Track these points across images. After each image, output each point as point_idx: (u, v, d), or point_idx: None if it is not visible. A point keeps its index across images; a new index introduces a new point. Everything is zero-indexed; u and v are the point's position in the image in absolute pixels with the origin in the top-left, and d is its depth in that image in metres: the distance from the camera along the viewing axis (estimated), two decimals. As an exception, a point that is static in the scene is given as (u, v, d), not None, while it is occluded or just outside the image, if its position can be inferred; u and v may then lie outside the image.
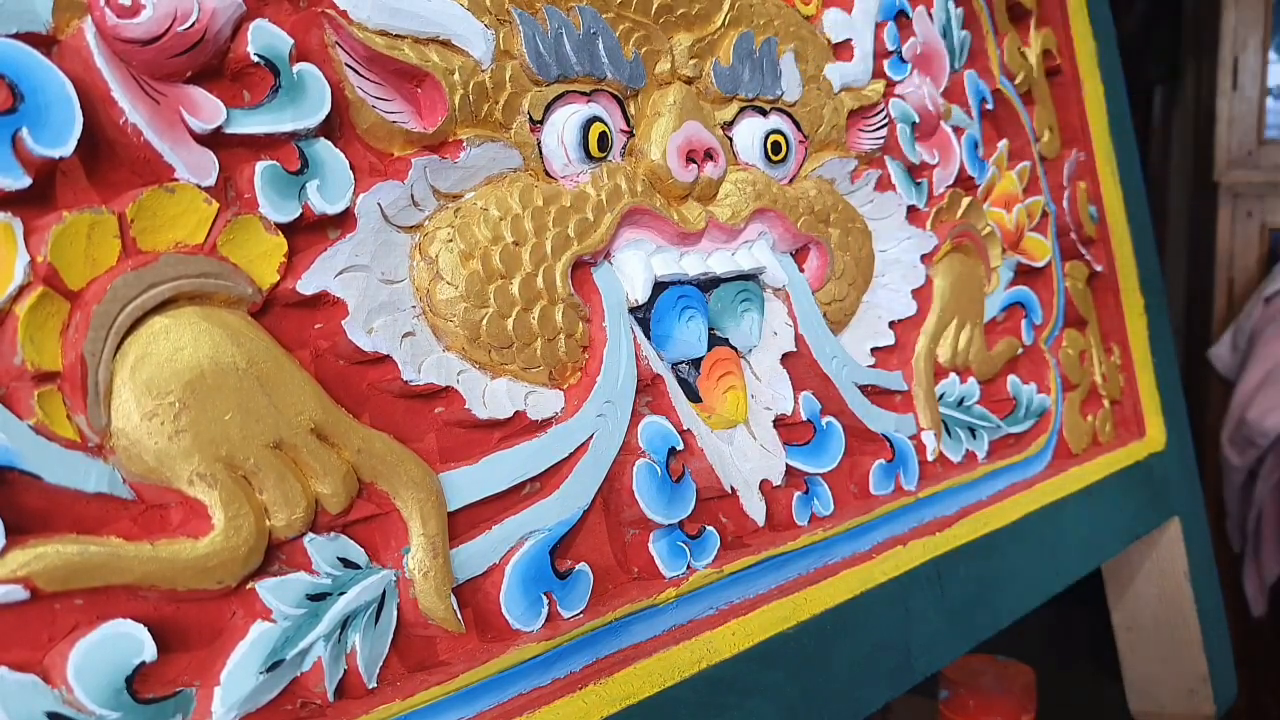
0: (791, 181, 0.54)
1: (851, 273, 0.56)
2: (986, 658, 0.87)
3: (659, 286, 0.47)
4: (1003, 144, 0.70)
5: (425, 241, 0.38)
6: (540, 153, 0.42)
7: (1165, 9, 2.08)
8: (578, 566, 0.42)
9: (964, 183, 0.66)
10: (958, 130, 0.65)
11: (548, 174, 0.43)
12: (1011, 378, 0.70)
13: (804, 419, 0.53)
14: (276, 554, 0.33)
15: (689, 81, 0.48)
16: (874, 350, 0.59)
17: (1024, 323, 0.72)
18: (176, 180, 0.31)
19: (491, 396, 0.40)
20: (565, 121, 0.43)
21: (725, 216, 0.49)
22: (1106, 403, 0.81)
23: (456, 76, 0.39)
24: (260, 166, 0.33)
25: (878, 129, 0.58)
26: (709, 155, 0.48)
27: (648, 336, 0.47)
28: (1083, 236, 0.78)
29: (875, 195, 0.59)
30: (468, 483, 0.38)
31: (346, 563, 0.34)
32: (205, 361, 0.31)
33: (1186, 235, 2.07)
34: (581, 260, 0.43)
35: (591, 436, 0.43)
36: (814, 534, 0.52)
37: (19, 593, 0.27)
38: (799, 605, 0.50)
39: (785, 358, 0.53)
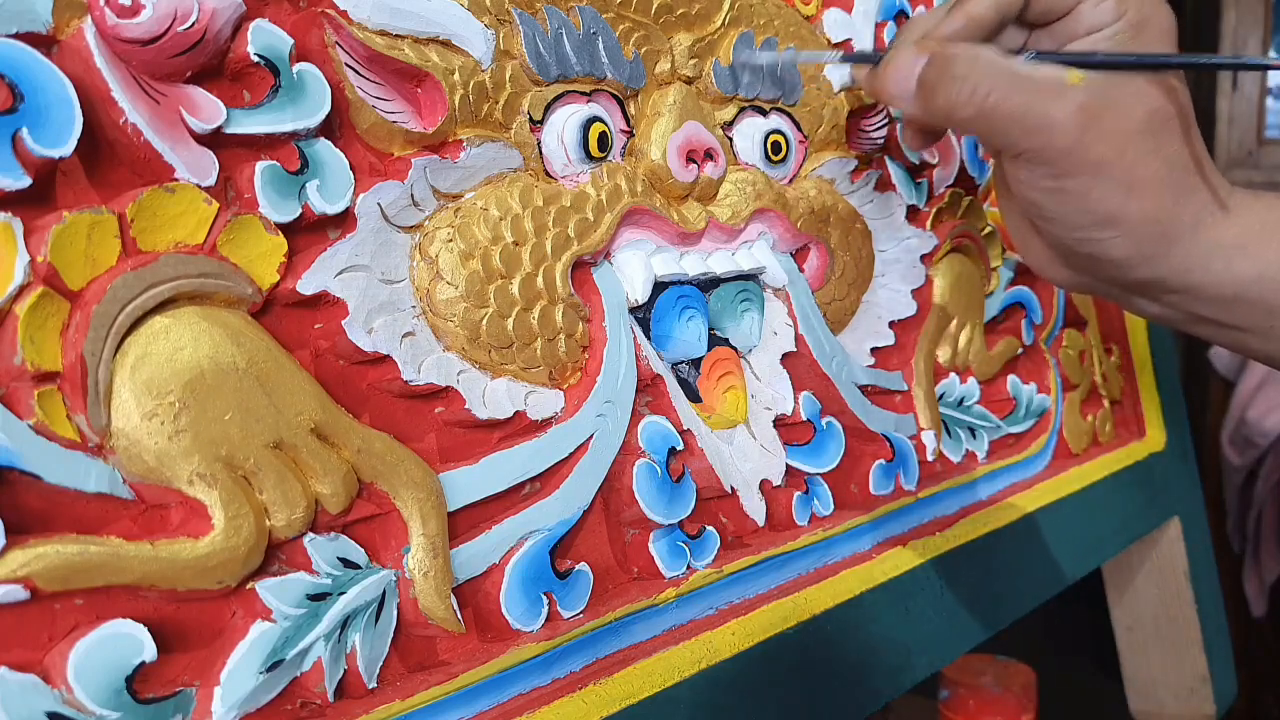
0: (791, 181, 0.54)
1: (851, 273, 0.56)
2: (986, 658, 0.87)
3: (659, 286, 0.47)
4: (1003, 144, 0.70)
5: (425, 241, 0.38)
6: (540, 153, 0.42)
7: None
8: (578, 566, 0.42)
9: (964, 183, 0.66)
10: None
11: (548, 174, 0.43)
12: (1011, 378, 0.70)
13: (804, 419, 0.53)
14: (276, 554, 0.33)
15: (689, 81, 0.48)
16: (874, 350, 0.59)
17: (1024, 323, 0.72)
18: (176, 180, 0.31)
19: (491, 396, 0.40)
20: (565, 121, 0.43)
21: (725, 216, 0.49)
22: (1106, 403, 0.81)
23: (456, 76, 0.39)
24: (260, 166, 0.33)
25: (878, 129, 0.58)
26: (709, 155, 0.48)
27: (648, 336, 0.47)
28: (1083, 236, 0.78)
29: (875, 195, 0.59)
30: (468, 483, 0.38)
31: (346, 563, 0.34)
32: (205, 361, 0.31)
33: (1186, 235, 2.06)
34: (581, 260, 0.43)
35: (591, 436, 0.43)
36: (814, 534, 0.52)
37: (19, 593, 0.27)
38: (799, 605, 0.50)
39: (785, 358, 0.53)
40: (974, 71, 0.39)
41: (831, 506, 0.54)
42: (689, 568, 0.46)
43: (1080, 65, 0.39)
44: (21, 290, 0.27)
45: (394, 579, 0.36)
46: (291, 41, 0.34)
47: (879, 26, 0.59)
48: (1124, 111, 0.38)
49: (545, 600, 0.40)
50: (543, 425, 0.41)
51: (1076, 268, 0.43)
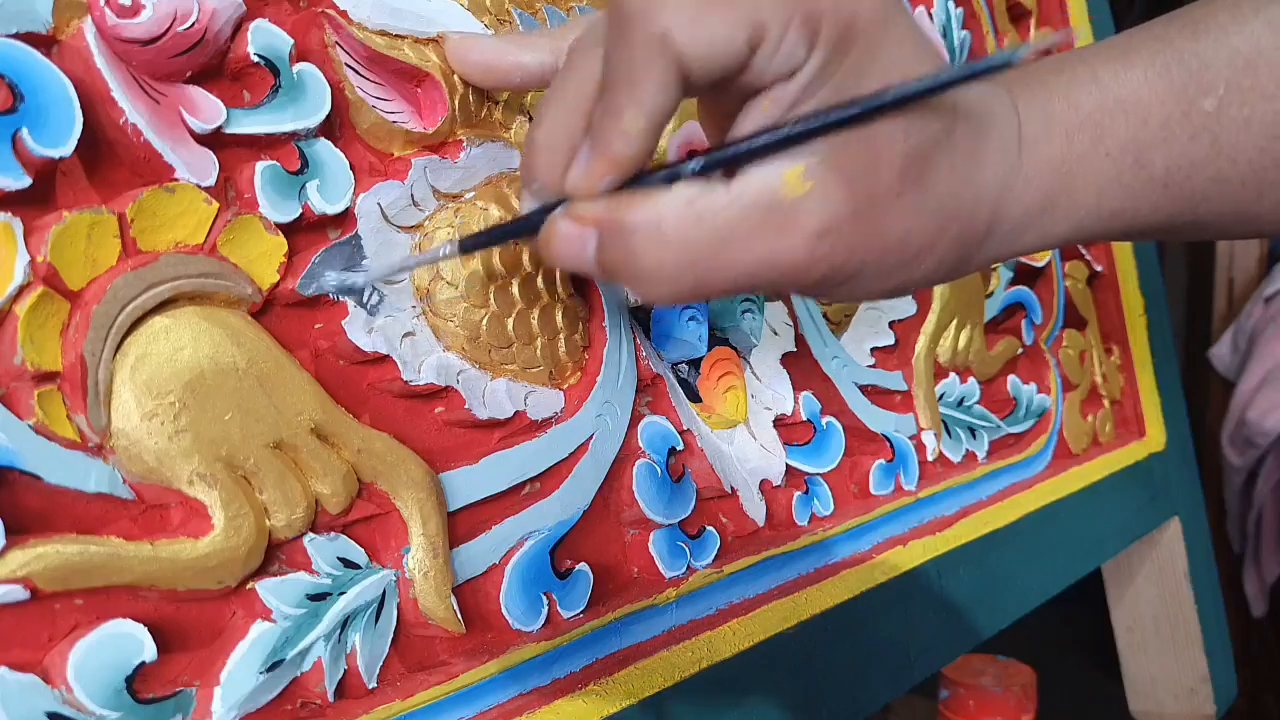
0: (791, 181, 0.54)
1: (851, 273, 0.56)
2: (986, 658, 0.87)
3: (659, 286, 0.47)
4: (1003, 144, 0.70)
5: (425, 241, 0.38)
6: (540, 153, 0.42)
7: (1165, 9, 2.08)
8: (578, 566, 0.42)
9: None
10: (958, 130, 0.65)
11: (548, 174, 0.43)
12: (1011, 378, 0.70)
13: (804, 419, 0.53)
14: (276, 554, 0.33)
15: (689, 81, 0.48)
16: (874, 350, 0.59)
17: (1024, 323, 0.72)
18: (176, 180, 0.31)
19: (491, 396, 0.40)
20: (565, 121, 0.43)
21: (725, 216, 0.49)
22: (1106, 403, 0.81)
23: (456, 77, 0.39)
24: (260, 166, 0.33)
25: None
26: (709, 155, 0.48)
27: (648, 336, 0.47)
28: (1083, 236, 0.78)
29: (875, 195, 0.59)
30: (468, 483, 0.38)
31: (346, 563, 0.34)
32: (205, 361, 0.31)
33: (1186, 235, 2.06)
34: (581, 260, 0.43)
35: (591, 436, 0.43)
36: (814, 534, 0.52)
37: (19, 593, 0.27)
38: (799, 605, 0.50)
39: (785, 358, 0.53)
40: (664, 242, 0.28)
41: (831, 506, 0.54)
42: (689, 568, 0.46)
43: (766, 148, 0.27)
44: (21, 290, 0.27)
45: (394, 579, 0.36)
46: (291, 41, 0.34)
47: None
48: (873, 189, 0.28)
49: (545, 600, 0.40)
50: (543, 425, 0.41)
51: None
